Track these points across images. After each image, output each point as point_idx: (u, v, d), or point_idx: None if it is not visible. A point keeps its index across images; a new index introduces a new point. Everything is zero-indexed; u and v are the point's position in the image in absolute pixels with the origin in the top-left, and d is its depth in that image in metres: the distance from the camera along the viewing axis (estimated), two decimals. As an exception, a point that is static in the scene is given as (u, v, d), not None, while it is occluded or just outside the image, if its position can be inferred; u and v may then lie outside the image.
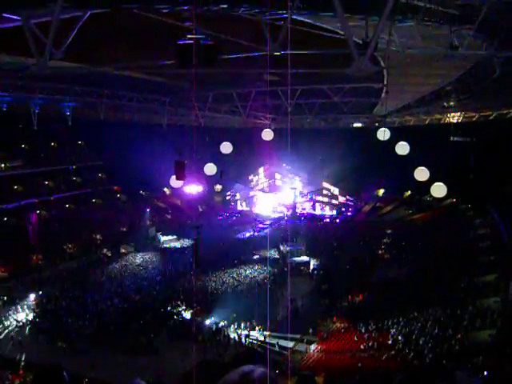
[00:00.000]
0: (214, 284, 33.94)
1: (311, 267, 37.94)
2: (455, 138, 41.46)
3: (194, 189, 41.75)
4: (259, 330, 26.49)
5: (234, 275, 35.77)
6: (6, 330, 27.39)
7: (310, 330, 26.44)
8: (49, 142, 53.56)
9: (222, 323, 27.41)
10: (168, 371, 21.53)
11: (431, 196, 28.43)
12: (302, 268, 37.10)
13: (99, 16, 13.00)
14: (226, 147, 23.87)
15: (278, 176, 63.64)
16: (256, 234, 50.80)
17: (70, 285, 34.42)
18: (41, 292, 32.77)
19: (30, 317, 29.12)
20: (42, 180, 49.83)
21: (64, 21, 11.49)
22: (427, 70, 23.46)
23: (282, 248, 42.10)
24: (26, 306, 30.67)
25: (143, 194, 60.10)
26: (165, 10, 12.82)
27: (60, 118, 38.15)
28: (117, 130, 45.33)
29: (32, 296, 32.08)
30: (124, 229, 50.23)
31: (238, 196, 66.49)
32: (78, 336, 25.96)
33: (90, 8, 11.98)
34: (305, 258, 40.01)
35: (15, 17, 11.60)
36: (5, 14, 11.62)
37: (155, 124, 42.84)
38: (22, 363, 21.62)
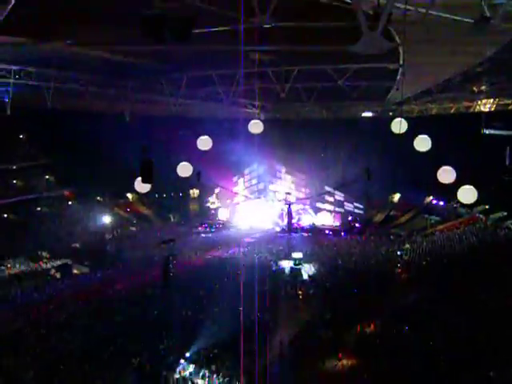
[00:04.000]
0: (188, 312, 33.64)
1: (310, 290, 37.96)
2: (487, 131, 41.82)
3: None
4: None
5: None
6: None
7: None
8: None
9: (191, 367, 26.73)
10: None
11: (458, 202, 28.65)
12: (300, 292, 37.06)
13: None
14: (205, 142, 23.92)
15: (269, 178, 63.62)
16: (242, 250, 50.69)
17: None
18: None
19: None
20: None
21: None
22: (453, 47, 23.65)
23: (274, 267, 42.10)
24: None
25: (101, 200, 59.81)
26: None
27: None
28: (68, 121, 45.10)
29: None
30: (77, 244, 49.88)
31: (218, 203, 66.39)
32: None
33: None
34: (303, 277, 40.28)
35: None
36: None
37: (116, 114, 42.70)
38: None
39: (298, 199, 62.44)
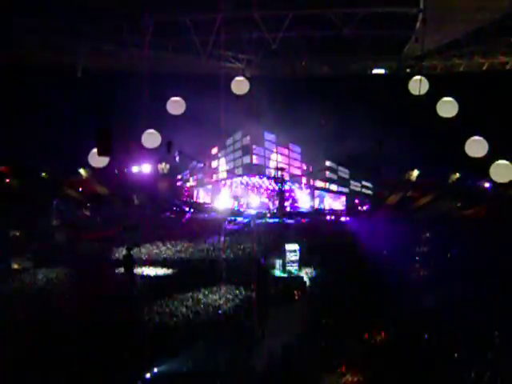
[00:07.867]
0: (158, 318, 33.71)
1: (307, 289, 38.12)
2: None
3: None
4: None
5: (189, 303, 35.52)
6: None
7: None
8: None
9: None
10: None
11: (491, 180, 28.74)
12: (295, 291, 37.21)
13: None
14: (177, 105, 23.81)
15: (256, 150, 63.56)
16: (223, 239, 50.82)
17: None
18: None
19: None
20: None
21: None
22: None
23: (262, 261, 42.26)
24: None
25: (46, 177, 59.54)
26: None
27: None
28: (3, 76, 44.60)
29: None
30: (17, 233, 49.73)
31: (193, 181, 66.37)
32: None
33: None
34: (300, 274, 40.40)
35: None
36: None
37: (65, 67, 42.34)
38: None
39: (292, 176, 62.52)
